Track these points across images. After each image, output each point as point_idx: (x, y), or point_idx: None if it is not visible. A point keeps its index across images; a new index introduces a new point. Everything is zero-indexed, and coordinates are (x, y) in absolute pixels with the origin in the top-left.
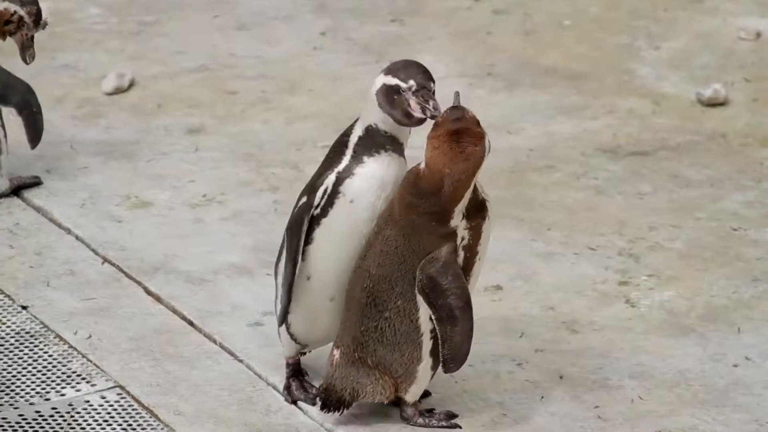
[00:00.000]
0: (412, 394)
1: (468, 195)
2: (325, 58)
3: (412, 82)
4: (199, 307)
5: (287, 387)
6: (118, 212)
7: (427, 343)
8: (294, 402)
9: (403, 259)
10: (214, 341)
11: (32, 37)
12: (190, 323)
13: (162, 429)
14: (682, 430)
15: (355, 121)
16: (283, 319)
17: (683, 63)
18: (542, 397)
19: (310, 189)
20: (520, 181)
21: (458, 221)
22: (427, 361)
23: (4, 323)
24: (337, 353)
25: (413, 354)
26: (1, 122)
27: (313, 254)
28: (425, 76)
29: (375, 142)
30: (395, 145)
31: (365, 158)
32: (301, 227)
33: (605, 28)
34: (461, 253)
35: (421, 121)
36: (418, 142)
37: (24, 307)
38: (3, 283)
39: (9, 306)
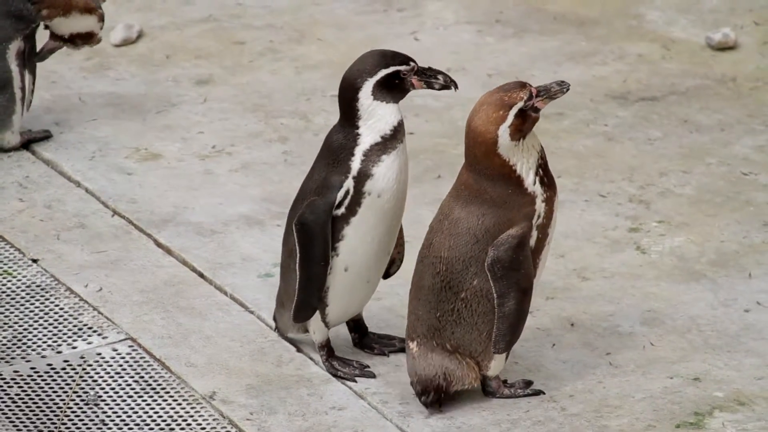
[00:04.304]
0: (494, 369)
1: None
2: (332, 6)
3: (412, 64)
4: (209, 258)
5: (333, 369)
6: (127, 164)
7: None
8: (349, 379)
9: (476, 239)
10: (225, 293)
11: None
12: (201, 275)
13: (174, 380)
14: (694, 375)
15: (353, 129)
16: (310, 315)
17: (692, 7)
18: (554, 345)
19: (323, 190)
20: None
21: (533, 184)
22: None
23: (14, 277)
24: (413, 345)
25: (491, 332)
26: (22, 84)
27: (347, 248)
28: (404, 57)
29: (387, 143)
30: (402, 133)
31: (383, 157)
32: (326, 230)
33: None
34: (534, 234)
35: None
36: None
37: (34, 261)
38: (13, 237)
39: (19, 259)
